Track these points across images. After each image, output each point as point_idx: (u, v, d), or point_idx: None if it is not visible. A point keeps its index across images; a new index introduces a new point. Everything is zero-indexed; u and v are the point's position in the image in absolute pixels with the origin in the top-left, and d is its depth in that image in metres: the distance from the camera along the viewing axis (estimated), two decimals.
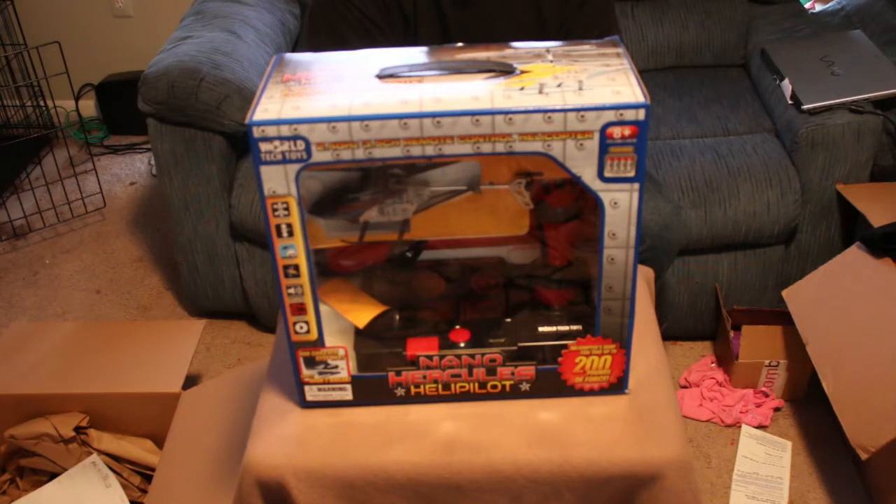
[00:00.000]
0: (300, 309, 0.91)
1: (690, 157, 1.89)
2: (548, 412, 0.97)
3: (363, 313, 0.98)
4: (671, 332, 2.00)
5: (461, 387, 0.98)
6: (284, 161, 0.82)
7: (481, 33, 1.45)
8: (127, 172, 2.82)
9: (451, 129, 0.81)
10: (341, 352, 0.95)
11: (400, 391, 0.98)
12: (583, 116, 0.80)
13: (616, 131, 0.81)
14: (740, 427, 1.79)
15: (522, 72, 0.86)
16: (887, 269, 1.61)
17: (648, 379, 1.01)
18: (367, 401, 0.98)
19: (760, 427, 1.79)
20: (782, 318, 1.79)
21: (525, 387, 0.98)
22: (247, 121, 0.81)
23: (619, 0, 2.27)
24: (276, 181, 0.84)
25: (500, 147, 0.82)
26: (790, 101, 1.92)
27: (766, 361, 1.81)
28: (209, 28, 2.03)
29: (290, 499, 0.94)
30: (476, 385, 0.98)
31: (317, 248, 0.92)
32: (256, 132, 0.81)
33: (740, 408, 1.82)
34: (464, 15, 1.46)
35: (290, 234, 0.87)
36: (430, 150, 0.82)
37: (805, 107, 1.85)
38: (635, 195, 0.85)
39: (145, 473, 1.63)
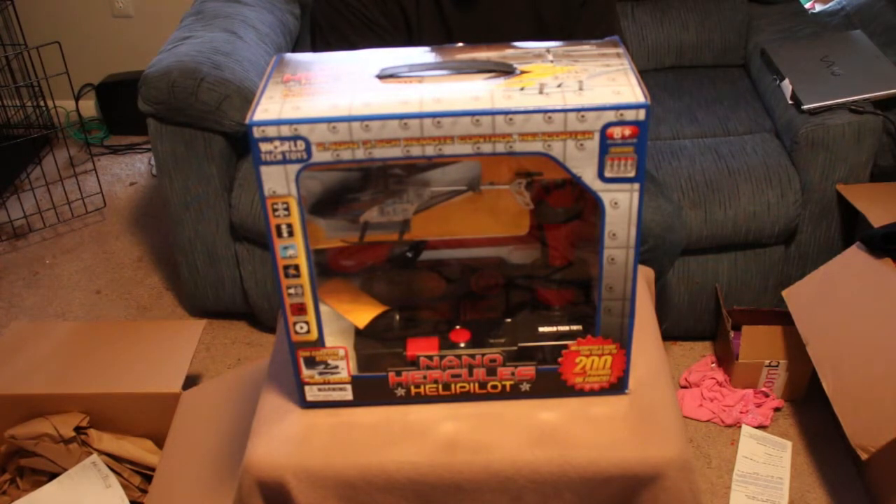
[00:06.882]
0: (300, 309, 0.91)
1: (690, 157, 1.89)
2: (548, 412, 0.97)
3: (363, 313, 0.98)
4: (671, 332, 2.00)
5: (461, 387, 0.98)
6: (284, 161, 0.82)
7: (484, 37, 1.45)
8: (127, 172, 2.82)
9: (451, 129, 0.81)
10: (341, 352, 0.95)
11: (400, 391, 0.98)
12: (583, 116, 0.80)
13: (616, 131, 0.81)
14: (740, 427, 1.79)
15: (523, 72, 0.86)
16: (887, 269, 1.61)
17: (648, 379, 1.01)
18: (367, 401, 0.98)
19: (760, 427, 1.79)
20: (782, 318, 1.79)
21: (525, 387, 0.98)
22: (247, 121, 0.81)
23: (620, 0, 2.27)
24: (276, 181, 0.83)
25: (501, 147, 0.82)
26: (790, 101, 1.92)
27: (766, 361, 1.81)
28: (209, 28, 2.03)
29: (291, 499, 0.94)
30: (476, 385, 0.98)
31: (317, 248, 0.92)
32: (256, 132, 0.81)
33: (740, 408, 1.82)
34: (466, 19, 1.46)
35: (290, 234, 0.87)
36: (430, 151, 0.82)
37: (805, 107, 1.85)
38: (635, 195, 0.85)
39: (145, 473, 1.63)
